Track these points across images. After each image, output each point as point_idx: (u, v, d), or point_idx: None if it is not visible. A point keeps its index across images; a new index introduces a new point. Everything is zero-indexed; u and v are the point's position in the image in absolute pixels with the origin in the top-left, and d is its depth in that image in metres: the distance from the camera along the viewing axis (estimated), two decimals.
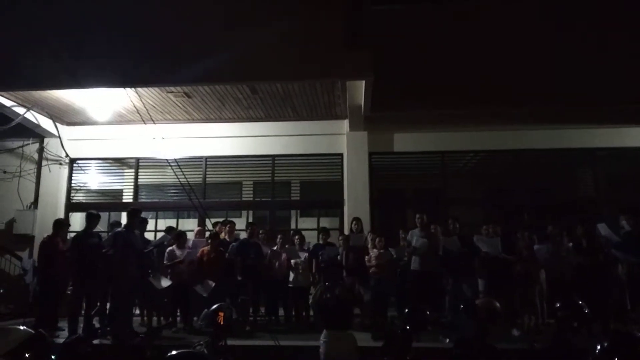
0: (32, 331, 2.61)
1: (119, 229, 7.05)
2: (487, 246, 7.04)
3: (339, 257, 7.48)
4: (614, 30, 7.08)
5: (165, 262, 7.23)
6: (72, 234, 7.97)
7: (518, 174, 9.57)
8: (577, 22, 7.06)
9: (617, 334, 2.57)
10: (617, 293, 6.60)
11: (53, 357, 2.65)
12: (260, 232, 8.02)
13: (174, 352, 2.44)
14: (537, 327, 6.84)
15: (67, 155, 9.92)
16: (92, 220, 6.99)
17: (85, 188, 10.19)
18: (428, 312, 4.68)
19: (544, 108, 8.45)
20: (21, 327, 2.63)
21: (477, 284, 7.09)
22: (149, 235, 8.29)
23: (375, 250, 7.28)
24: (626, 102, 8.06)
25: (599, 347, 2.40)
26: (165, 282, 7.03)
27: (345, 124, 9.53)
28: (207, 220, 8.23)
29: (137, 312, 7.87)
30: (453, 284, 6.99)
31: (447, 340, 5.76)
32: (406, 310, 4.54)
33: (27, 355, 2.48)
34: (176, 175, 6.06)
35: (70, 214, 9.80)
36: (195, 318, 7.16)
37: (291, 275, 7.55)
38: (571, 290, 6.58)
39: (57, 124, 9.58)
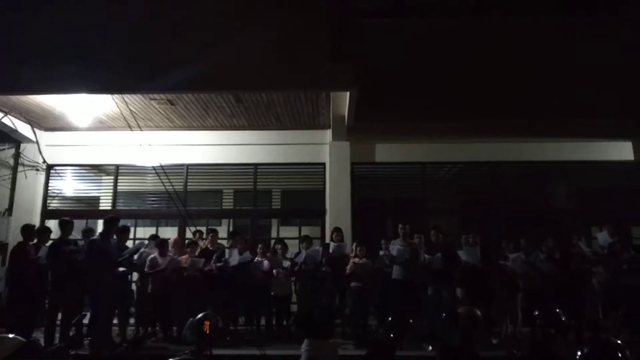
0: (24, 340, 2.56)
1: (95, 237, 6.92)
2: (467, 255, 7.17)
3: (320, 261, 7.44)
4: (590, 45, 7.34)
5: (146, 270, 7.14)
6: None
7: (496, 185, 9.80)
8: (554, 37, 7.30)
9: (597, 340, 2.67)
10: (591, 302, 6.80)
11: None
12: (246, 238, 7.95)
13: None
14: (514, 335, 7.00)
15: (44, 161, 9.72)
16: (65, 227, 6.85)
17: (62, 195, 9.99)
18: (411, 321, 4.77)
19: (523, 121, 8.70)
20: (11, 335, 2.58)
21: (456, 292, 7.21)
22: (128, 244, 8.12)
23: (356, 259, 7.34)
24: (601, 117, 8.36)
25: (579, 353, 2.49)
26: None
27: (328, 134, 9.61)
28: (187, 228, 8.17)
29: (115, 321, 7.71)
30: (433, 293, 7.09)
31: (430, 348, 5.84)
32: (390, 319, 4.61)
33: None
34: (162, 182, 6.02)
35: (46, 221, 9.58)
36: (174, 328, 7.10)
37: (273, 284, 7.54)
38: (547, 299, 6.80)
39: (35, 129, 9.40)
